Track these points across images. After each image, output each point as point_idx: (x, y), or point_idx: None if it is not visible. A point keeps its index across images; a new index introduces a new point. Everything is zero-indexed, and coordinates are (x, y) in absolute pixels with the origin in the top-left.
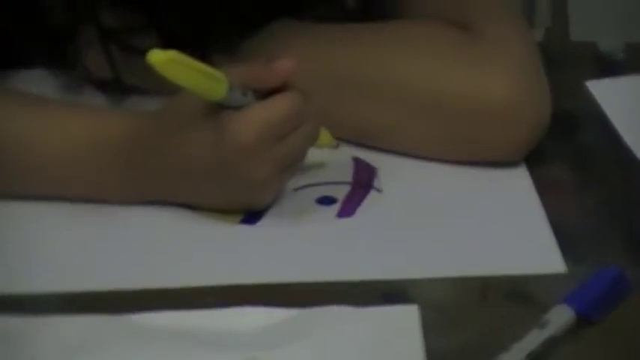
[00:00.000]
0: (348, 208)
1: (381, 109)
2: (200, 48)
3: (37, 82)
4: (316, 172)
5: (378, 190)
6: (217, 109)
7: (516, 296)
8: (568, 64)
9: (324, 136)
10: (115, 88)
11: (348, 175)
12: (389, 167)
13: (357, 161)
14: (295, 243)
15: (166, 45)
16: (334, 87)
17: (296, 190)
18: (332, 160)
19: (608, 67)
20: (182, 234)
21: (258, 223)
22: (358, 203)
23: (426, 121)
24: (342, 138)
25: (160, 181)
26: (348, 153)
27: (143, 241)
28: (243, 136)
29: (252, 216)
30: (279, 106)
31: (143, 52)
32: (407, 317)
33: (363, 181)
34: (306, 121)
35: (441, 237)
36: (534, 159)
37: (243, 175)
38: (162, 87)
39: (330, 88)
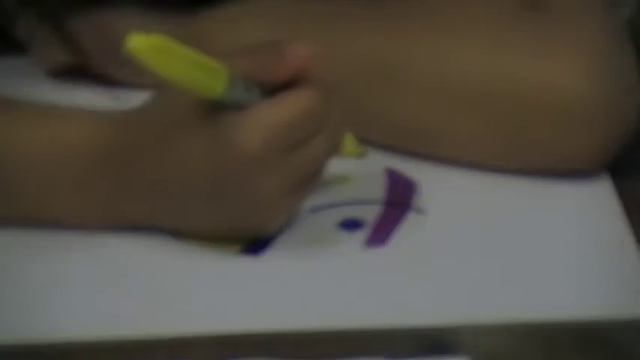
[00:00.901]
0: (379, 235)
1: (423, 105)
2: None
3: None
4: (339, 187)
5: (419, 211)
6: (214, 108)
7: (592, 346)
8: None
9: (349, 141)
10: (81, 76)
11: (379, 191)
12: (432, 180)
13: (391, 173)
14: (312, 280)
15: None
16: (361, 77)
17: (313, 211)
18: (359, 172)
19: None
20: (168, 269)
21: (265, 254)
22: (393, 228)
23: (480, 119)
24: (372, 142)
25: (141, 201)
26: (379, 162)
27: (119, 279)
28: (247, 144)
29: (256, 244)
30: (292, 105)
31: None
32: None
33: (399, 199)
34: (327, 123)
35: (497, 272)
36: (619, 169)
37: (246, 193)
38: (139, 77)
39: (356, 78)
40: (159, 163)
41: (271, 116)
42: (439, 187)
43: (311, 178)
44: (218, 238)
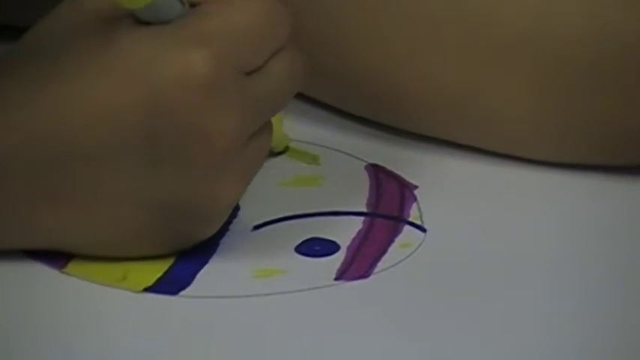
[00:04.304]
0: (358, 264)
1: (433, 52)
2: None
3: None
4: (299, 192)
5: (418, 228)
6: (135, 23)
7: None
8: None
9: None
10: None
11: (359, 198)
12: (441, 184)
13: (377, 172)
14: (256, 336)
15: None
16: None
17: (257, 227)
18: (328, 170)
19: None
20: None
21: (185, 292)
22: (379, 254)
23: (523, 77)
24: (347, 111)
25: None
26: (360, 153)
27: None
28: (191, 62)
29: (171, 278)
30: (246, 7)
31: None
32: None
33: (389, 210)
34: (287, 39)
35: (537, 323)
36: None
37: (193, 141)
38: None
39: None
40: (50, 108)
41: (218, 23)
42: (450, 193)
43: (266, 123)
44: (136, 249)
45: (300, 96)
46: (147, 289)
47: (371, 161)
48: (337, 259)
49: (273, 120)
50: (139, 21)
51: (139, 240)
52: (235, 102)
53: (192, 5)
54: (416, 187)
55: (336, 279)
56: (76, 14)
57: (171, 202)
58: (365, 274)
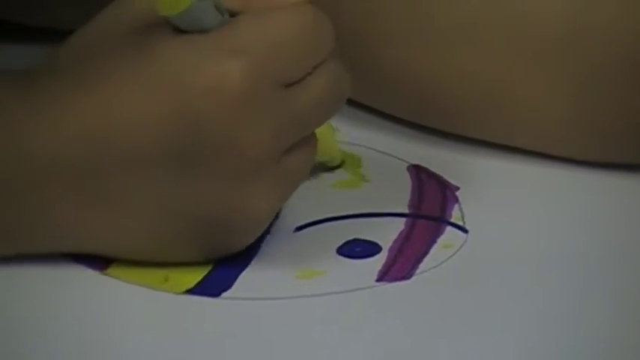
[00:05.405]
0: (400, 265)
1: (467, 55)
2: None
3: None
4: (339, 194)
5: (460, 229)
6: (169, 31)
7: None
8: None
9: (327, 131)
10: None
11: (401, 199)
12: (483, 185)
13: (419, 173)
14: (297, 337)
15: None
16: (371, 6)
17: (300, 229)
18: (369, 170)
19: None
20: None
21: (227, 294)
22: (420, 255)
23: (578, 80)
24: (384, 113)
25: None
26: (402, 154)
27: None
28: (223, 74)
29: (213, 280)
30: (284, 20)
31: None
32: None
33: (431, 211)
34: (330, 53)
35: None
36: None
37: (225, 152)
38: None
39: (364, 9)
40: (82, 116)
41: (256, 34)
42: (492, 193)
43: (311, 138)
44: (171, 256)
45: None
46: (188, 291)
47: (413, 162)
48: (379, 261)
49: (324, 133)
50: (177, 29)
51: (175, 249)
52: (269, 114)
53: (233, 15)
54: (458, 188)
55: (378, 280)
56: (121, 18)
57: (203, 213)
58: (407, 276)
